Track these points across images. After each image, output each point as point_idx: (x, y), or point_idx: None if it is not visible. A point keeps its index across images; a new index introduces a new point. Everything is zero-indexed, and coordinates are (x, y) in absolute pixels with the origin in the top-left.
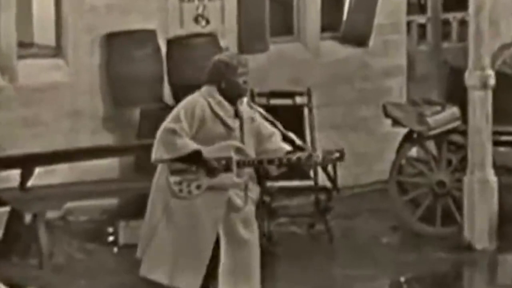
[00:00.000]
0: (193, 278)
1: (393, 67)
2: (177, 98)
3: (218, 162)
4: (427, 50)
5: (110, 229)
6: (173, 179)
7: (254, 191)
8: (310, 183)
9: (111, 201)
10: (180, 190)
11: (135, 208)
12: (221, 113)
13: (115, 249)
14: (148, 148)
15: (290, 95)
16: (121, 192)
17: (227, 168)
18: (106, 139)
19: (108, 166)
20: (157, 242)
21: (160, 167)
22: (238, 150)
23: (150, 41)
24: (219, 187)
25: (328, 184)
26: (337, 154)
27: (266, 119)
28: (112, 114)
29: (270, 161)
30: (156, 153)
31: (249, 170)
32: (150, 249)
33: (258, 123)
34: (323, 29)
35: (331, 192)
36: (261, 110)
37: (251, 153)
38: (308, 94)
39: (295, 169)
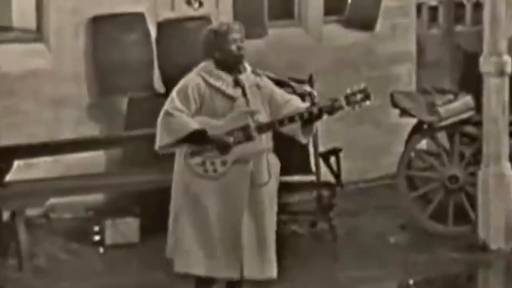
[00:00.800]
0: (232, 261)
1: (402, 52)
2: (168, 86)
3: (234, 133)
4: (439, 34)
5: (96, 228)
6: (194, 161)
7: (276, 165)
8: (312, 178)
9: (97, 198)
10: (205, 171)
11: (123, 205)
12: (218, 84)
13: (101, 249)
14: (137, 139)
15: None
16: (107, 187)
17: (248, 137)
18: (92, 130)
19: (93, 159)
20: (184, 232)
21: (177, 155)
22: (253, 115)
23: (139, 24)
24: (243, 159)
25: (331, 179)
26: (361, 95)
27: (277, 83)
28: (98, 103)
29: (291, 119)
30: (159, 140)
31: (269, 136)
32: (179, 243)
33: (269, 90)
34: (327, 12)
35: (335, 188)
36: (270, 74)
37: (265, 119)
38: (310, 82)
39: (295, 163)
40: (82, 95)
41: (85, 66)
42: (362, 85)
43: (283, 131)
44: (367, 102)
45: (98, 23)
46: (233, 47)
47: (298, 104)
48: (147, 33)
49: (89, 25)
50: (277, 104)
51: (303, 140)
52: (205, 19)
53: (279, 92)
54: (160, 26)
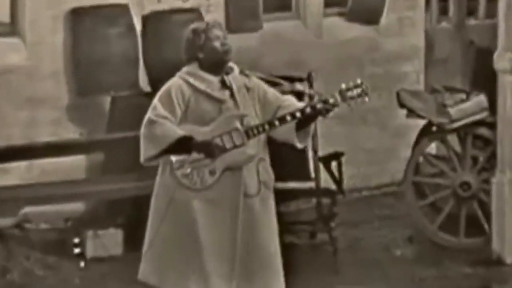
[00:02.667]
0: (225, 277)
1: (409, 48)
2: (155, 84)
3: (222, 139)
4: (449, 29)
5: (76, 240)
6: (180, 172)
7: (267, 175)
8: (311, 184)
9: (77, 206)
10: (193, 182)
11: (105, 215)
12: (202, 87)
13: (82, 264)
14: (120, 143)
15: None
16: (88, 195)
17: (236, 142)
18: (71, 132)
19: (73, 164)
20: (166, 245)
21: (161, 165)
22: (243, 120)
23: (123, 17)
24: (234, 166)
25: (332, 185)
26: (358, 90)
27: (268, 83)
28: (78, 103)
29: (282, 119)
30: (144, 152)
31: (261, 141)
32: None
33: (262, 91)
34: (327, 4)
35: (336, 196)
36: (259, 74)
37: (256, 122)
38: (309, 80)
39: (292, 168)
40: (60, 94)
41: (63, 63)
42: (359, 80)
43: (276, 137)
44: (366, 98)
45: (78, 15)
46: (217, 44)
47: (294, 104)
48: (131, 27)
49: (68, 17)
50: (271, 106)
51: (299, 145)
52: (195, 11)
53: (272, 92)
54: (146, 19)
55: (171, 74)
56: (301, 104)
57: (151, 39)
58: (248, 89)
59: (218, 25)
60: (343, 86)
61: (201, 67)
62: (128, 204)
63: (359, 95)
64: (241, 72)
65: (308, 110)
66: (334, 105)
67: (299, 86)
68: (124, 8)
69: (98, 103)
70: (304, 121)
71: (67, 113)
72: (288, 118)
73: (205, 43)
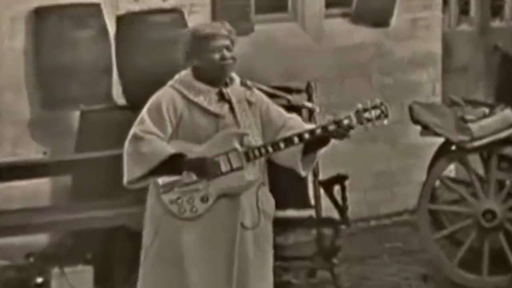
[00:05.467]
0: None
1: (424, 54)
2: (130, 96)
3: (214, 161)
4: (471, 32)
5: (39, 279)
6: (168, 197)
7: (268, 203)
8: (310, 213)
9: (40, 239)
10: (182, 210)
11: (73, 249)
12: (198, 100)
13: None
14: (91, 164)
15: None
16: (53, 226)
17: (233, 165)
18: (33, 151)
19: (36, 189)
20: (150, 275)
21: (150, 187)
22: (243, 139)
23: (94, 18)
24: (230, 193)
25: (335, 214)
26: (376, 111)
27: (270, 96)
28: (41, 117)
29: (288, 141)
30: (128, 172)
31: (262, 165)
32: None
33: (264, 107)
34: (328, 3)
35: (339, 226)
36: (262, 87)
37: (258, 143)
38: (308, 91)
39: (288, 193)
40: (21, 107)
41: (25, 71)
42: (378, 100)
43: (278, 161)
44: (385, 121)
45: (41, 16)
46: (215, 56)
47: (301, 124)
48: (104, 30)
49: (30, 19)
50: (274, 125)
51: (303, 172)
52: (176, 12)
53: (275, 109)
54: (121, 20)
55: (149, 85)
56: (309, 126)
57: (126, 44)
58: (249, 103)
59: (224, 33)
60: (360, 106)
61: (196, 76)
62: (100, 237)
63: (378, 117)
64: (242, 83)
65: (318, 131)
66: (349, 127)
67: (295, 99)
68: (96, 8)
69: (65, 118)
70: (311, 145)
71: (29, 129)
72: (296, 140)
73: (203, 52)
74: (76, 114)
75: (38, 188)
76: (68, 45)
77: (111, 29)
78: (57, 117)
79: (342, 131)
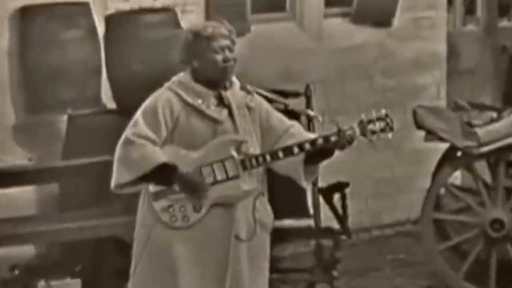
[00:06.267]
0: None
1: (428, 55)
2: (120, 100)
3: (212, 168)
4: (477, 32)
5: None
6: (159, 204)
7: (265, 213)
8: (309, 222)
9: (26, 251)
10: (173, 218)
11: (60, 261)
12: (197, 103)
13: None
14: (79, 172)
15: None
16: (39, 237)
17: (229, 174)
18: (18, 157)
19: (21, 198)
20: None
21: (142, 193)
22: (240, 147)
23: (82, 18)
24: (225, 202)
25: (335, 224)
26: (381, 124)
27: (269, 100)
28: (26, 122)
29: (287, 151)
30: (116, 176)
31: (260, 173)
32: None
33: (264, 113)
34: (328, 2)
35: (339, 237)
36: (264, 92)
37: (256, 150)
38: (307, 94)
39: (285, 201)
40: (5, 111)
41: (9, 73)
42: (383, 112)
43: (279, 170)
44: (389, 135)
45: (27, 15)
46: (218, 58)
47: (302, 133)
48: (92, 30)
49: (16, 18)
50: (275, 133)
51: (304, 183)
52: (169, 11)
53: (276, 116)
54: (110, 20)
55: (140, 88)
56: (311, 135)
57: (116, 44)
58: (249, 109)
59: (226, 33)
60: (364, 117)
61: (194, 78)
62: (88, 248)
63: (382, 130)
64: (242, 87)
65: (320, 141)
66: (352, 138)
67: (293, 103)
68: (84, 7)
69: (51, 123)
70: (313, 156)
71: (13, 134)
72: (296, 150)
73: (204, 53)
74: (64, 118)
75: (23, 197)
76: (55, 45)
77: (100, 29)
78: (43, 121)
79: (343, 143)
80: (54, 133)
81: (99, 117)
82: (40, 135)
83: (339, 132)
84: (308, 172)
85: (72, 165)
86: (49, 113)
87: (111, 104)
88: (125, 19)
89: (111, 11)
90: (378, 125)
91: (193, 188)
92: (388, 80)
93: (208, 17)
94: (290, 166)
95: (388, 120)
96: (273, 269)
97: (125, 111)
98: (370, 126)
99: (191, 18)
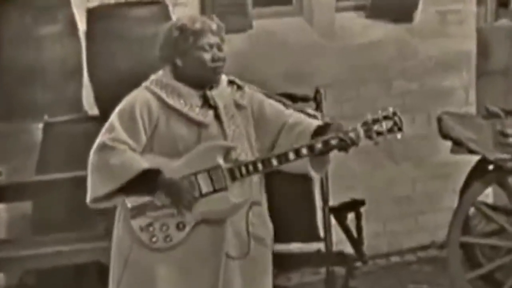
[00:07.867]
0: None
1: (455, 55)
2: (104, 105)
3: (197, 179)
4: (511, 28)
5: None
6: (137, 222)
7: (262, 226)
8: (319, 246)
9: None
10: (153, 239)
11: None
12: (179, 105)
13: None
14: (55, 187)
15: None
16: (11, 263)
17: (216, 186)
18: None
19: None
20: None
21: (117, 210)
22: (228, 153)
23: (61, 11)
24: (212, 218)
25: (348, 248)
26: (388, 123)
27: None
28: None
29: (281, 157)
30: (92, 189)
31: (255, 182)
32: None
33: (257, 106)
34: None
35: (353, 263)
36: (254, 88)
37: (248, 157)
38: (316, 99)
39: (292, 223)
40: None
41: None
42: (390, 109)
43: (283, 168)
44: (398, 135)
45: None
46: (206, 57)
47: (302, 121)
48: (72, 25)
49: None
50: (273, 126)
51: (315, 175)
52: (159, 4)
53: (271, 108)
54: (92, 14)
55: (126, 91)
56: (313, 121)
57: (99, 42)
58: (239, 107)
59: (215, 29)
60: (369, 117)
61: (176, 77)
62: (66, 275)
63: (390, 130)
64: (231, 81)
65: (318, 146)
66: (353, 142)
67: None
68: None
69: (25, 131)
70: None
71: None
72: (292, 156)
73: (190, 50)
74: (39, 126)
75: None
76: (30, 43)
77: (81, 24)
78: (15, 129)
79: (345, 145)
80: (28, 143)
81: (80, 124)
82: (11, 146)
83: (340, 136)
84: (315, 163)
85: (48, 180)
86: (22, 120)
87: (93, 110)
88: (109, 13)
89: (93, 3)
90: (385, 125)
91: (180, 195)
92: (409, 83)
93: (203, 11)
94: (296, 162)
95: (396, 118)
96: None
97: (109, 117)
98: (376, 127)
99: (185, 13)
